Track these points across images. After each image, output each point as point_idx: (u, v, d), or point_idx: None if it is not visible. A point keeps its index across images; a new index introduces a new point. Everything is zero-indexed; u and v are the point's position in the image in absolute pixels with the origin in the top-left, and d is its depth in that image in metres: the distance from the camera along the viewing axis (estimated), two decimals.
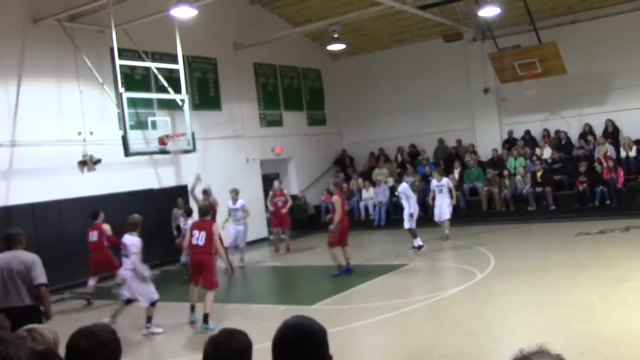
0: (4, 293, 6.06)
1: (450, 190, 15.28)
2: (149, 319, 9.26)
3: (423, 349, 7.30)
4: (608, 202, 17.16)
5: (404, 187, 14.21)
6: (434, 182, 15.37)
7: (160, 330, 9.28)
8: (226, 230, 14.40)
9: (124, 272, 9.32)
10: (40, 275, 6.19)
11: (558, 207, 17.58)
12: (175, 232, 15.29)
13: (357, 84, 22.87)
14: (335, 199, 12.40)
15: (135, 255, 9.01)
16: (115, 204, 14.25)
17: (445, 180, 15.53)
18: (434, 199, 15.50)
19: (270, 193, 17.24)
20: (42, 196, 13.92)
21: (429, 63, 21.39)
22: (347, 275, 12.06)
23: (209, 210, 9.92)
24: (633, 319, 7.46)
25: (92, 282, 12.30)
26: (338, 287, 11.21)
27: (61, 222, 14.29)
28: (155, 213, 15.32)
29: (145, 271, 9.20)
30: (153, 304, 9.27)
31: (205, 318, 9.05)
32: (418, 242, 13.72)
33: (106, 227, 12.34)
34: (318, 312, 9.02)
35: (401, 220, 14.35)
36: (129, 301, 9.41)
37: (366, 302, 9.98)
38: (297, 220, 20.84)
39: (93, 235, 12.27)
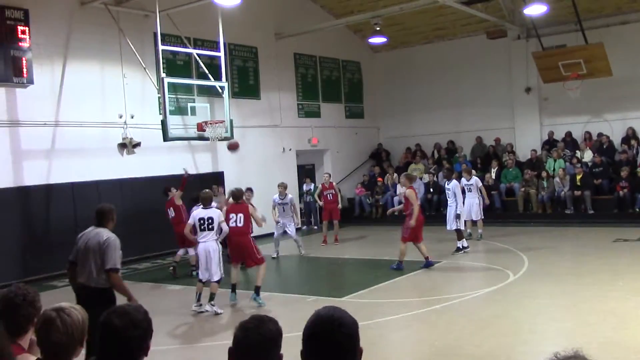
0: (82, 269, 5.96)
1: (480, 190, 15.01)
2: (212, 297, 9.36)
3: (452, 347, 7.25)
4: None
5: (454, 185, 13.86)
6: (462, 181, 14.99)
7: (221, 311, 9.37)
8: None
9: (201, 249, 9.56)
10: (111, 259, 5.83)
11: (596, 212, 17.23)
12: None
13: (397, 78, 22.73)
14: (409, 192, 12.06)
15: (224, 223, 9.51)
16: (153, 187, 14.45)
17: (474, 179, 15.25)
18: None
19: (320, 186, 17.23)
20: (82, 176, 14.22)
21: (471, 60, 21.14)
22: (427, 270, 11.80)
23: (242, 194, 10.26)
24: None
25: (180, 252, 13.11)
26: (370, 280, 11.18)
27: (100, 202, 14.50)
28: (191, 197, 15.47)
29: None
30: (218, 282, 9.53)
31: (257, 290, 9.57)
32: (463, 243, 13.54)
33: (177, 197, 13.11)
34: (349, 304, 9.02)
35: (436, 217, 14.22)
36: (206, 281, 9.60)
37: (397, 298, 9.96)
38: None
39: (170, 212, 13.07)
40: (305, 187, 20.39)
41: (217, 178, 17.18)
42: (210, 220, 9.47)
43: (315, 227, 20.26)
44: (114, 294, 5.95)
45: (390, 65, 23.02)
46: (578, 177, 17.68)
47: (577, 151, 19.20)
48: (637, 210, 16.85)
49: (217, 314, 9.31)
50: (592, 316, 8.01)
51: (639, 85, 18.32)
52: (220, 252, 9.70)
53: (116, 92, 15.14)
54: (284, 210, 14.64)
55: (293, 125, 20.14)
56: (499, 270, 11.27)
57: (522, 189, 18.51)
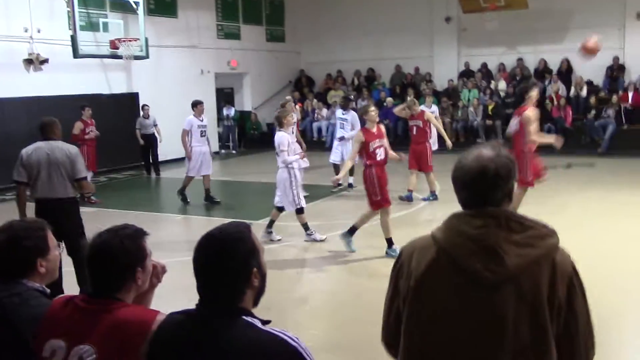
0: (49, 184, 6.00)
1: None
2: (270, 224, 8.88)
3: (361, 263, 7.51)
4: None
5: (353, 116, 12.41)
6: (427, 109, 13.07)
7: (279, 237, 8.91)
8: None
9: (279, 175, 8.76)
10: (82, 169, 6.26)
11: (506, 141, 17.92)
12: (141, 141, 15.18)
13: (319, 2, 22.34)
14: (429, 114, 11.68)
15: (283, 152, 8.56)
16: (63, 107, 13.81)
17: (435, 108, 14.48)
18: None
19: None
20: None
21: None
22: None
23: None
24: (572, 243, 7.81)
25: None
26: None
27: (5, 121, 13.84)
28: (104, 119, 14.95)
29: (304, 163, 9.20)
30: (280, 210, 8.86)
31: (388, 243, 7.92)
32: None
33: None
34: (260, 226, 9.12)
35: None
36: (281, 209, 8.91)
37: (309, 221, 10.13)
38: (249, 138, 20.80)
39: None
40: (225, 112, 20.12)
41: (131, 99, 16.65)
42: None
43: (234, 152, 20.17)
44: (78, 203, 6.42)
45: None
46: (490, 107, 18.28)
47: (492, 82, 19.76)
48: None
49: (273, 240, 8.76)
50: None
51: (552, 18, 18.84)
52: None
53: (21, 3, 14.14)
54: (343, 128, 12.65)
55: (212, 46, 19.59)
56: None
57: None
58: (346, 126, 12.40)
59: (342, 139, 12.50)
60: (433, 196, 11.31)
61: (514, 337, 1.90)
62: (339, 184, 11.29)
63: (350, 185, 12.39)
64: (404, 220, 9.68)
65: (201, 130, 11.63)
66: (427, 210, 10.84)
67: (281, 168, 8.68)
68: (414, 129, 11.42)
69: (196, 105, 11.78)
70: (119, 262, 2.18)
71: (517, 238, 1.93)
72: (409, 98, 12.74)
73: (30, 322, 2.25)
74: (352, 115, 12.41)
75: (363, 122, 8.80)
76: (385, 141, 7.99)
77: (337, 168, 11.94)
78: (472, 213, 2.01)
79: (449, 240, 2.00)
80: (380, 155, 7.80)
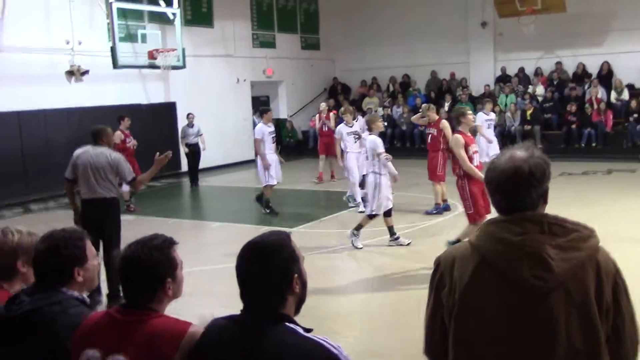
0: (88, 186, 6.62)
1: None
2: (359, 227, 8.65)
3: (397, 274, 7.48)
4: (594, 144, 17.29)
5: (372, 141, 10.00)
6: (480, 116, 12.57)
7: (408, 241, 8.73)
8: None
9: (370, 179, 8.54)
10: (128, 172, 6.71)
11: (545, 146, 17.66)
12: (186, 149, 14.95)
13: (353, 10, 22.36)
14: (445, 123, 10.83)
15: (383, 155, 8.37)
16: (103, 117, 14.09)
17: (493, 115, 13.62)
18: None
19: (316, 115, 15.82)
20: (28, 105, 13.75)
21: None
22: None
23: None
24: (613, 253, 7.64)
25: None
26: (328, 211, 11.31)
27: (47, 131, 14.19)
28: (143, 129, 15.20)
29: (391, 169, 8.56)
30: (371, 217, 8.56)
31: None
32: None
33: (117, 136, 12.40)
34: (296, 234, 9.15)
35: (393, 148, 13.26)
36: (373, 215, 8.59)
37: (346, 228, 10.12)
38: (284, 146, 20.90)
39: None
40: (255, 120, 20.18)
41: (169, 108, 16.91)
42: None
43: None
44: (119, 203, 6.98)
45: None
46: (528, 112, 18.02)
47: (530, 86, 19.49)
48: (583, 145, 17.36)
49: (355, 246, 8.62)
50: None
51: (590, 22, 18.51)
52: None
53: (63, 16, 14.50)
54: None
55: (247, 55, 19.77)
56: (451, 203, 11.44)
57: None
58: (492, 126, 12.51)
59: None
60: (438, 209, 10.71)
61: (566, 343, 1.87)
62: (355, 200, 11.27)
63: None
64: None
65: (272, 137, 11.48)
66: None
67: (370, 173, 8.52)
68: (429, 137, 11.17)
69: (265, 112, 11.70)
70: (149, 274, 2.22)
71: (561, 242, 1.90)
72: (427, 105, 11.64)
73: (70, 330, 2.30)
74: (360, 124, 11.85)
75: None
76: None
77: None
78: (510, 219, 1.97)
79: (491, 248, 1.96)
80: (476, 161, 7.40)
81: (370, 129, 8.77)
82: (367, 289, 7.35)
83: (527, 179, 1.97)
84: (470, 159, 7.25)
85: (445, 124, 10.82)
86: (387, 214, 8.52)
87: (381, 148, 8.44)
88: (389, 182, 8.54)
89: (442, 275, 2.07)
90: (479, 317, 1.95)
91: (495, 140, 12.83)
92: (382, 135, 12.62)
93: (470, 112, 7.76)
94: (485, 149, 11.82)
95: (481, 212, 7.11)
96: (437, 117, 11.14)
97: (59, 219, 11.39)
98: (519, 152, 2.02)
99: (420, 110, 11.78)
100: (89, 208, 6.68)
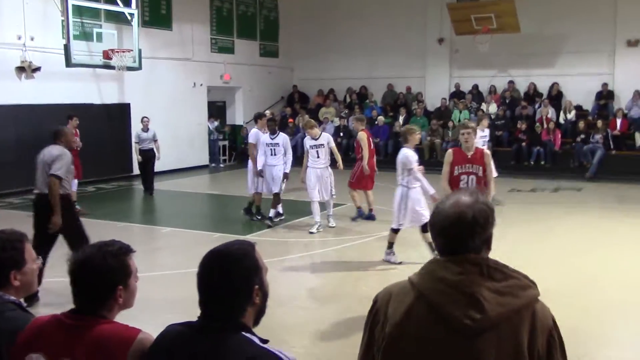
0: (40, 180, 6.84)
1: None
2: (389, 245, 8.38)
3: (344, 289, 7.49)
4: (543, 162, 17.77)
5: (283, 139, 10.90)
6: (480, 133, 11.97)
7: (399, 261, 8.29)
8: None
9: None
10: (56, 168, 6.70)
11: (495, 163, 17.99)
12: (139, 157, 14.27)
13: (314, 20, 22.46)
14: (361, 135, 11.12)
15: (415, 169, 8.01)
16: (53, 115, 13.77)
17: (487, 131, 13.17)
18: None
19: None
20: None
21: (389, 7, 21.17)
22: (368, 222, 11.03)
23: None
24: (555, 270, 7.86)
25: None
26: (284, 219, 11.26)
27: None
28: (94, 129, 14.92)
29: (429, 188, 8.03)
30: (395, 231, 8.29)
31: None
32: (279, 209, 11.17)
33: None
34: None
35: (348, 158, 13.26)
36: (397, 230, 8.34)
37: (300, 237, 10.12)
38: (239, 152, 20.79)
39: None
40: (209, 125, 20.05)
41: (122, 109, 16.64)
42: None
43: (222, 166, 20.15)
44: (65, 200, 6.82)
45: (308, 5, 22.65)
46: None
47: (483, 103, 19.91)
48: (532, 163, 17.82)
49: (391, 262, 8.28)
50: None
51: (544, 43, 19.05)
52: None
53: (15, 11, 14.13)
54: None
55: (205, 59, 19.62)
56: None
57: (428, 138, 19.05)
58: (278, 151, 10.72)
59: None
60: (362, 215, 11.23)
61: None
62: (280, 214, 10.99)
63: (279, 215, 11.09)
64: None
65: (272, 149, 10.67)
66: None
67: (398, 186, 8.19)
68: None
69: (259, 117, 11.23)
70: (101, 279, 2.17)
71: (498, 286, 1.90)
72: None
73: (8, 335, 2.23)
74: (283, 138, 10.89)
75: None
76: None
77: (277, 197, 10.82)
78: (452, 259, 1.97)
79: (429, 286, 1.95)
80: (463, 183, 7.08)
81: (406, 141, 8.19)
82: (318, 298, 7.36)
83: (471, 225, 1.96)
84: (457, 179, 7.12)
85: (360, 135, 11.25)
86: (424, 228, 7.99)
87: (413, 164, 7.96)
88: (420, 195, 8.14)
89: (377, 311, 2.07)
90: (407, 352, 1.95)
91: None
92: (337, 145, 12.60)
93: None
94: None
95: None
96: (360, 128, 11.47)
97: (3, 219, 11.06)
98: (464, 197, 2.02)
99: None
100: (37, 202, 6.90)
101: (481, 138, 12.32)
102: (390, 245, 8.37)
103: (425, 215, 7.85)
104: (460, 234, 1.97)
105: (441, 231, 2.01)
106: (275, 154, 10.70)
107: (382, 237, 9.93)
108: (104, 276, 2.17)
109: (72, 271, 2.20)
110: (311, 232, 10.22)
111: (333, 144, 10.86)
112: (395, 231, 8.28)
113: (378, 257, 8.56)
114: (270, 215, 10.81)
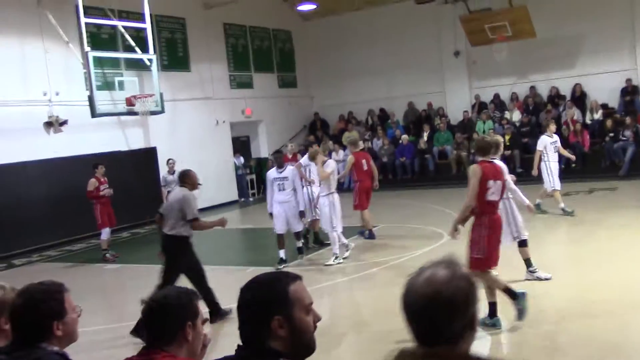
0: (169, 222, 7.31)
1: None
2: (528, 262, 7.89)
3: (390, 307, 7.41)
4: (573, 165, 17.47)
5: (292, 172, 10.40)
6: (545, 140, 11.95)
7: (548, 275, 7.82)
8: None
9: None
10: (189, 212, 7.18)
11: (525, 170, 17.80)
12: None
13: (328, 46, 22.66)
14: (349, 158, 11.81)
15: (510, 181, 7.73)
16: (82, 166, 14.02)
17: (557, 136, 12.52)
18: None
19: None
20: (7, 158, 13.62)
21: (401, 25, 21.28)
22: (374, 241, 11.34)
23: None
24: (595, 273, 7.68)
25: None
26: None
27: (28, 184, 14.06)
28: (124, 175, 15.14)
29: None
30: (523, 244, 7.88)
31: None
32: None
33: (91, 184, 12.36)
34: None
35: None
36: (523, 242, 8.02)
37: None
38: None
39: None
40: (235, 161, 20.19)
41: (149, 153, 16.87)
42: None
43: (251, 200, 20.24)
44: (189, 243, 7.40)
45: (321, 33, 22.91)
46: (507, 137, 18.19)
47: (506, 112, 19.75)
48: (563, 167, 17.52)
49: (540, 279, 7.74)
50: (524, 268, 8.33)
51: (562, 45, 18.92)
52: None
53: (39, 68, 14.53)
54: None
55: (225, 96, 19.87)
56: (434, 232, 11.49)
57: (454, 152, 18.94)
58: (287, 186, 10.21)
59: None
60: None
61: None
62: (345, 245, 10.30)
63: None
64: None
65: (279, 184, 10.20)
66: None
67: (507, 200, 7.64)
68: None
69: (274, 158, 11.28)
70: (171, 314, 2.28)
71: None
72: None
73: None
74: (292, 172, 10.35)
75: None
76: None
77: (281, 238, 10.28)
78: (424, 353, 1.67)
79: None
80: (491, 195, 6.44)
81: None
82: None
83: (447, 309, 1.65)
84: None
85: (349, 158, 11.81)
86: (523, 244, 7.81)
87: (505, 175, 7.26)
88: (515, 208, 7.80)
89: None
90: None
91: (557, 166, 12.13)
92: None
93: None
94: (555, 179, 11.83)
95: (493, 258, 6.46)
96: (353, 150, 11.89)
97: (43, 272, 11.22)
98: (440, 271, 1.71)
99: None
100: (164, 242, 7.44)
101: (552, 144, 11.90)
102: (528, 261, 7.87)
103: (520, 230, 7.73)
104: (435, 319, 1.66)
105: (413, 316, 1.70)
106: (284, 189, 10.15)
107: (425, 252, 9.85)
108: (175, 311, 2.30)
109: (146, 308, 2.36)
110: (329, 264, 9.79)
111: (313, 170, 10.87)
112: (522, 244, 7.82)
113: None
114: (298, 246, 10.58)
